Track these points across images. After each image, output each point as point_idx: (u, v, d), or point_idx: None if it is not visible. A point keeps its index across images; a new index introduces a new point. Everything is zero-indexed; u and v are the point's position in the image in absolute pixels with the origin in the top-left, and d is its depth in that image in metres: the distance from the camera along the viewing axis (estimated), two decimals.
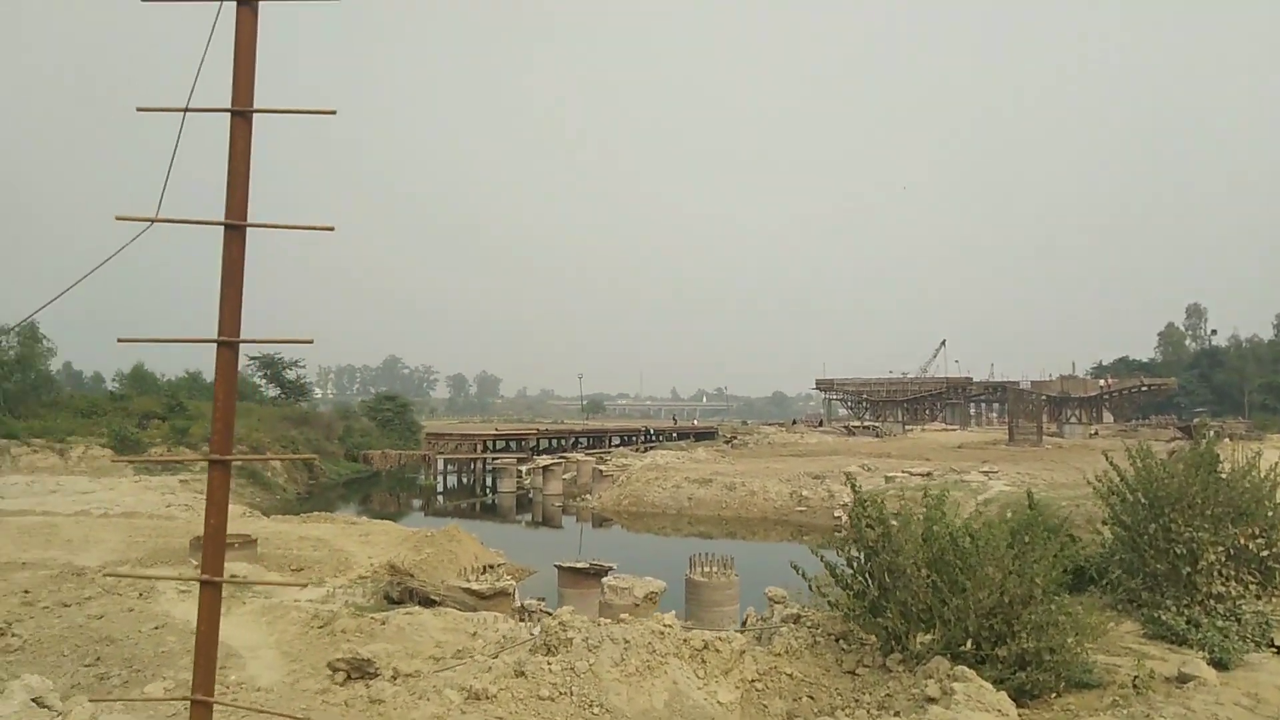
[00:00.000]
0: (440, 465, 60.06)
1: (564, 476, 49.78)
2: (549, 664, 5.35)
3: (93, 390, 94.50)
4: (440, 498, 53.15)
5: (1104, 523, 10.41)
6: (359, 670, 5.81)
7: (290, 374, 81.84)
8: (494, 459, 57.27)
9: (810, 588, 6.39)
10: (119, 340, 3.49)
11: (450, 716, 4.77)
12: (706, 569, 18.47)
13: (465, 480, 60.24)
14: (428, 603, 16.60)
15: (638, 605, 17.02)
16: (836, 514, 35.00)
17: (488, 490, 53.44)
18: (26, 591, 14.65)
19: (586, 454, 60.39)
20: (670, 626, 5.83)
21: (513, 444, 65.37)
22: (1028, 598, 5.70)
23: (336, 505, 47.15)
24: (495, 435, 67.07)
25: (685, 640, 5.74)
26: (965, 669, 5.28)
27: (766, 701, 5.59)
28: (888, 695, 5.48)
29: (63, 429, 45.12)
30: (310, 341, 3.37)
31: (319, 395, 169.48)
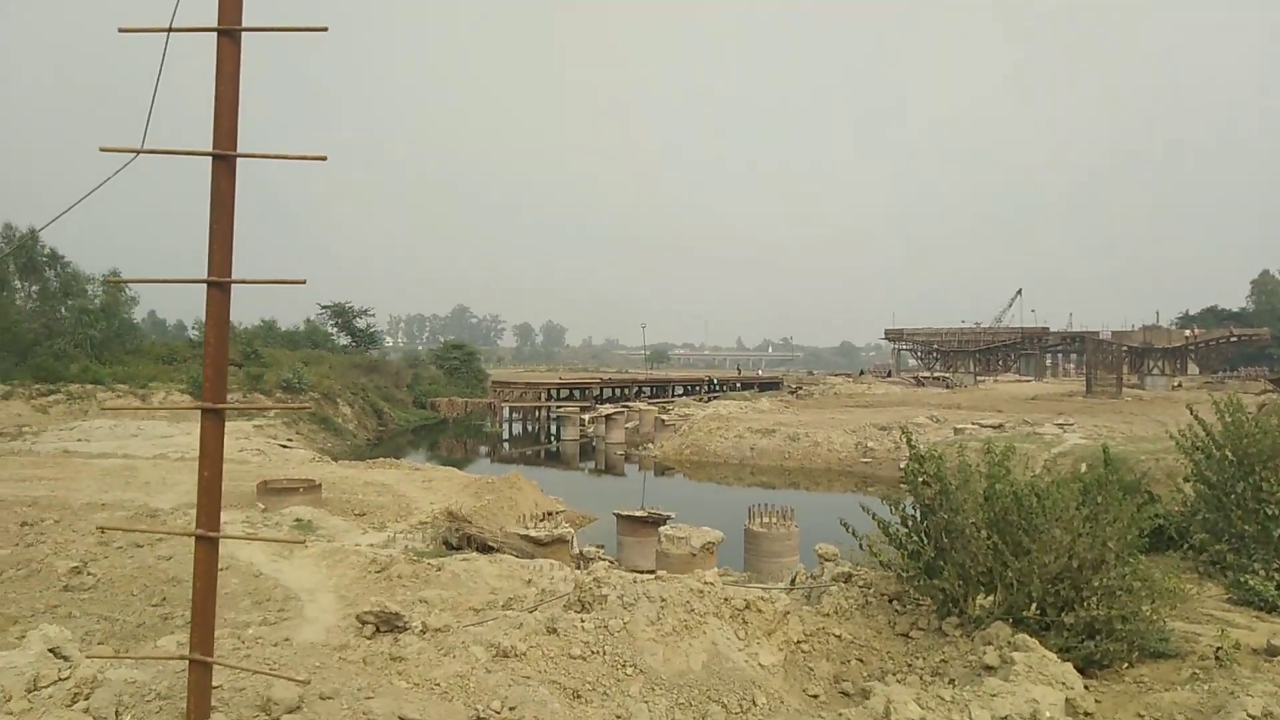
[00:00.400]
0: (505, 413, 60.84)
1: (626, 425, 49.86)
2: (582, 621, 5.16)
3: (175, 337, 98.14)
4: (505, 445, 53.88)
5: (1186, 479, 9.78)
6: (387, 623, 5.74)
7: (360, 323, 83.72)
8: (558, 407, 57.70)
9: (861, 546, 6.05)
10: (106, 281, 3.29)
11: (474, 675, 4.62)
12: (766, 520, 18.24)
13: (530, 428, 60.94)
14: (485, 549, 16.78)
15: (694, 555, 16.92)
16: (903, 465, 34.18)
17: (552, 438, 53.97)
18: (105, 530, 15.16)
19: (649, 403, 60.39)
20: (711, 584, 5.58)
21: (576, 392, 65.74)
22: (1099, 562, 5.27)
23: (405, 451, 48.21)
24: (559, 384, 67.56)
25: (726, 599, 5.48)
26: (1027, 637, 4.91)
27: (812, 664, 5.32)
28: (943, 661, 5.15)
29: (145, 375, 46.81)
30: (303, 282, 3.14)
31: (389, 344, 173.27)
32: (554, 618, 5.18)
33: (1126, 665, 5.18)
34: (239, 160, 3.13)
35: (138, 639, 9.81)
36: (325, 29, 3.04)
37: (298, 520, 16.96)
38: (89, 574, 12.65)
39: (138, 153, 3.09)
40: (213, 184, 3.05)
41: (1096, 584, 5.20)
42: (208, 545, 3.09)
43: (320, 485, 19.48)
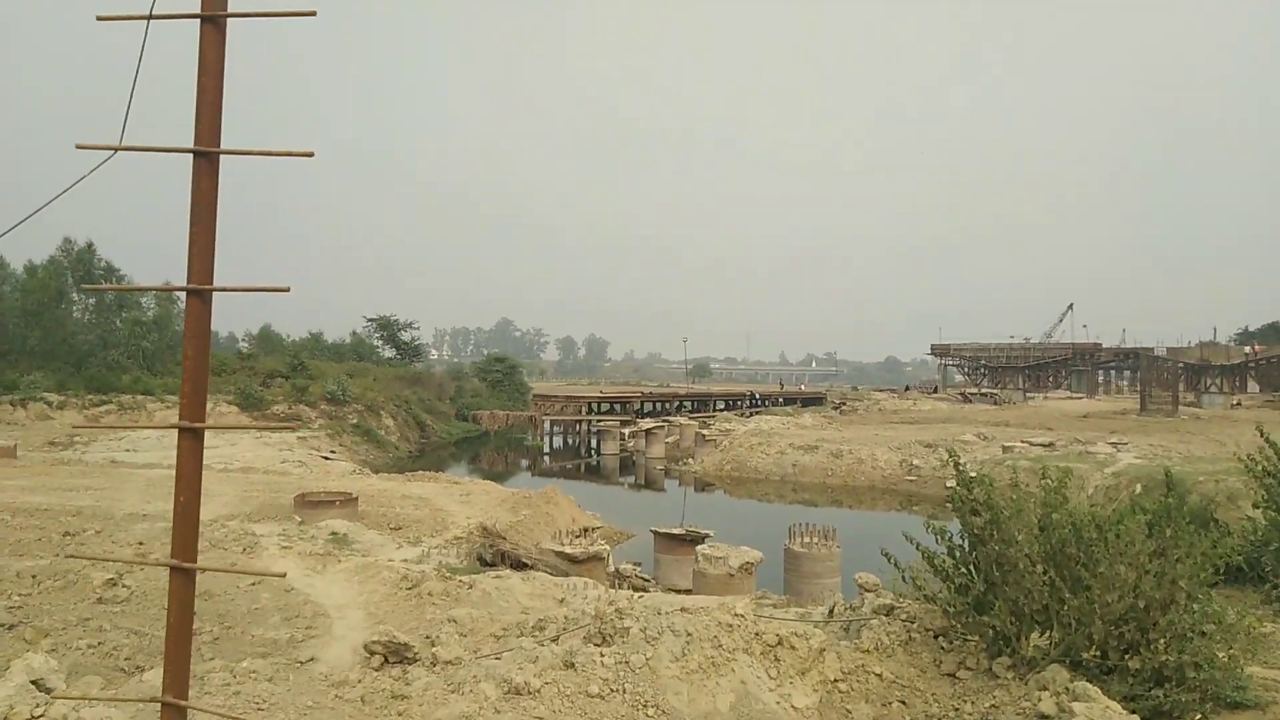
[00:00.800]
0: (546, 426, 60.84)
1: (666, 440, 49.50)
2: (601, 656, 4.84)
3: (226, 349, 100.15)
4: (546, 458, 53.81)
5: (1256, 505, 9.18)
6: (396, 654, 5.48)
7: (405, 335, 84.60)
8: (598, 421, 57.54)
9: (904, 578, 5.63)
10: (82, 288, 3.07)
11: (482, 715, 4.33)
12: (806, 539, 17.77)
13: (570, 441, 60.84)
14: (519, 566, 16.53)
15: (732, 575, 16.50)
16: (949, 484, 33.38)
17: (592, 451, 53.78)
18: (141, 543, 15.22)
19: (690, 417, 59.96)
20: (741, 617, 5.23)
21: (616, 406, 65.53)
22: (1167, 602, 4.81)
23: (446, 464, 48.36)
24: (599, 397, 67.41)
25: (757, 634, 5.12)
26: (1087, 685, 4.47)
27: (850, 706, 4.93)
28: (993, 707, 4.72)
29: None
30: (287, 289, 2.89)
31: (434, 356, 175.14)
32: (572, 651, 4.87)
33: (1199, 717, 4.71)
34: (224, 158, 2.88)
35: (161, 655, 9.69)
36: (313, 13, 2.81)
37: (333, 534, 16.88)
38: (124, 586, 12.63)
39: (115, 150, 2.86)
40: (193, 183, 2.80)
41: (1165, 626, 4.74)
42: (183, 578, 2.83)
43: (356, 498, 19.42)
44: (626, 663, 4.75)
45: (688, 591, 17.50)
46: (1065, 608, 4.89)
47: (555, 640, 5.39)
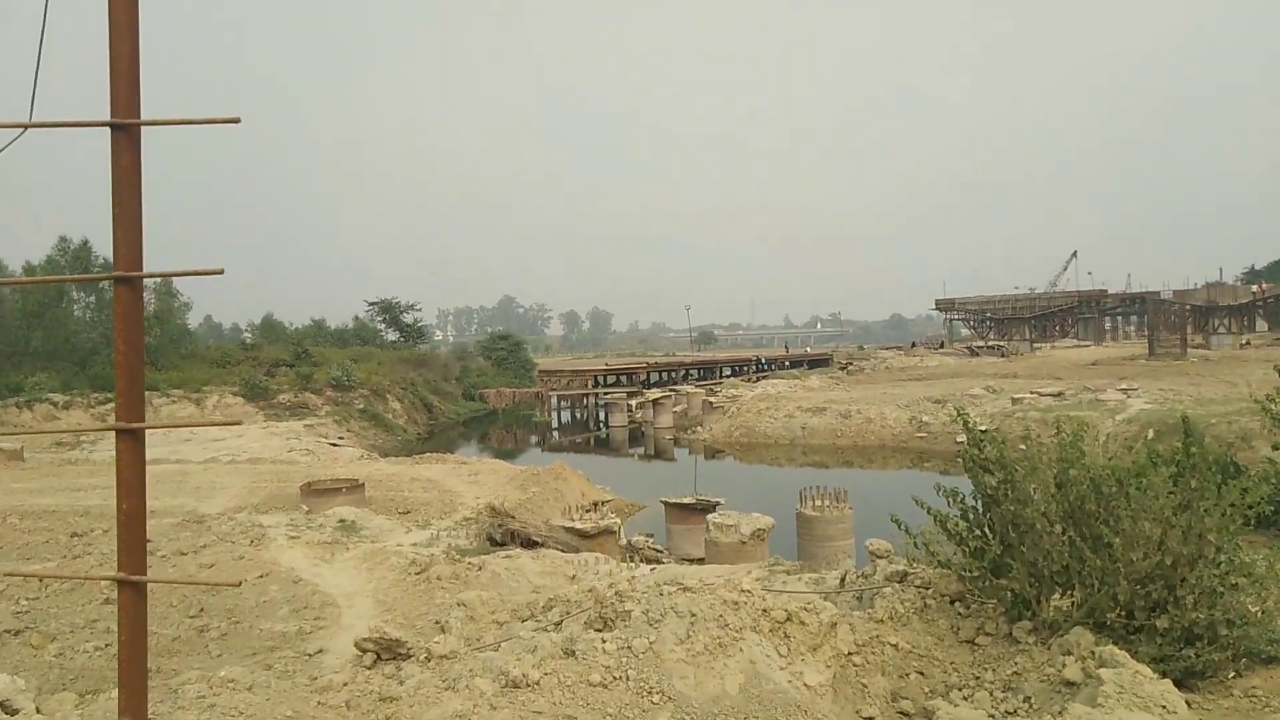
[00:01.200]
0: (554, 401, 60.74)
1: (674, 409, 49.31)
2: (603, 642, 4.64)
3: (231, 341, 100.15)
4: (555, 433, 53.74)
5: (1275, 447, 8.94)
6: (389, 650, 5.28)
7: (408, 318, 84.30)
8: (605, 394, 57.38)
9: (915, 544, 5.41)
10: (7, 281, 2.83)
11: (478, 713, 4.14)
12: (818, 502, 17.60)
13: (578, 415, 60.76)
14: (530, 544, 16.41)
15: (744, 543, 16.35)
16: (959, 439, 33.20)
17: (600, 425, 53.67)
18: (148, 540, 15.09)
19: (696, 385, 59.77)
20: (748, 593, 5.02)
21: (623, 378, 65.35)
22: (1195, 556, 4.58)
23: (456, 444, 48.33)
24: (605, 370, 67.25)
25: (765, 611, 4.91)
26: (1115, 650, 4.25)
27: (866, 680, 4.73)
28: (1015, 674, 4.53)
29: (198, 379, 47.54)
30: (220, 272, 2.65)
31: (439, 337, 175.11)
32: (572, 638, 4.66)
33: (1234, 675, 4.51)
34: (145, 130, 2.62)
35: (170, 654, 9.59)
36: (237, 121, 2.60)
37: (341, 521, 16.78)
38: None
39: (26, 127, 2.61)
40: (113, 159, 2.54)
41: (1193, 582, 4.52)
42: (133, 592, 2.60)
43: (363, 485, 19.31)
44: (629, 648, 4.56)
45: (700, 560, 17.38)
46: (1086, 567, 4.67)
47: (556, 627, 5.20)
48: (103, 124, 2.56)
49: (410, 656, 5.14)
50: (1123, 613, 4.61)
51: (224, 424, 2.54)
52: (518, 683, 4.34)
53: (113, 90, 2.56)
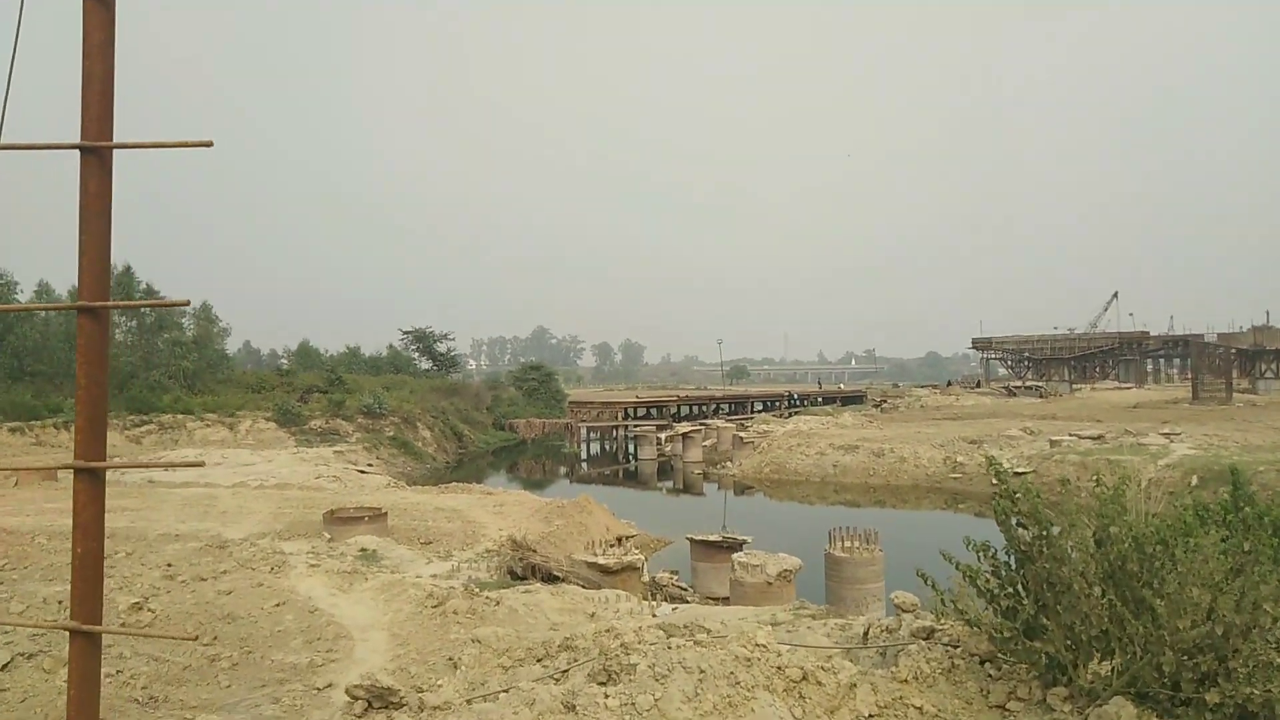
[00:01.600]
0: (583, 433, 60.59)
1: (704, 443, 48.92)
2: (605, 698, 4.39)
3: (268, 366, 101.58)
4: (584, 465, 53.51)
5: None
6: (380, 699, 5.07)
7: (441, 346, 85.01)
8: (634, 426, 57.12)
9: (943, 601, 5.08)
10: None
11: None
12: (847, 543, 17.17)
13: (607, 447, 60.53)
14: (551, 579, 16.15)
15: (770, 584, 15.96)
16: (994, 481, 32.58)
17: (629, 457, 53.37)
18: (169, 565, 15.08)
19: (727, 420, 59.32)
20: (762, 648, 4.74)
21: (653, 411, 65.13)
22: (1249, 627, 4.22)
23: (485, 473, 48.28)
24: (636, 402, 67.06)
25: (779, 669, 4.62)
26: None
27: None
28: None
29: (234, 404, 48.08)
30: (186, 303, 2.51)
31: (471, 366, 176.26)
32: (574, 691, 4.41)
33: None
34: (118, 153, 2.49)
35: (179, 683, 9.44)
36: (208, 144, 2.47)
37: (363, 550, 16.65)
38: (149, 610, 12.45)
39: None
40: (81, 184, 2.40)
41: (1248, 653, 4.16)
42: (85, 643, 2.42)
43: (386, 514, 19.19)
44: (633, 704, 4.30)
45: (725, 600, 17.01)
46: (1128, 633, 4.33)
47: (559, 679, 4.95)
48: (72, 146, 2.43)
49: (403, 705, 4.92)
50: (1168, 683, 4.27)
51: (186, 465, 2.38)
52: None
53: (84, 112, 2.44)
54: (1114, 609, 4.40)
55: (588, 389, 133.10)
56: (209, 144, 2.38)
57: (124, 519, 20.96)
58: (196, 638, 1.92)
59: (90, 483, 2.49)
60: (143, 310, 53.16)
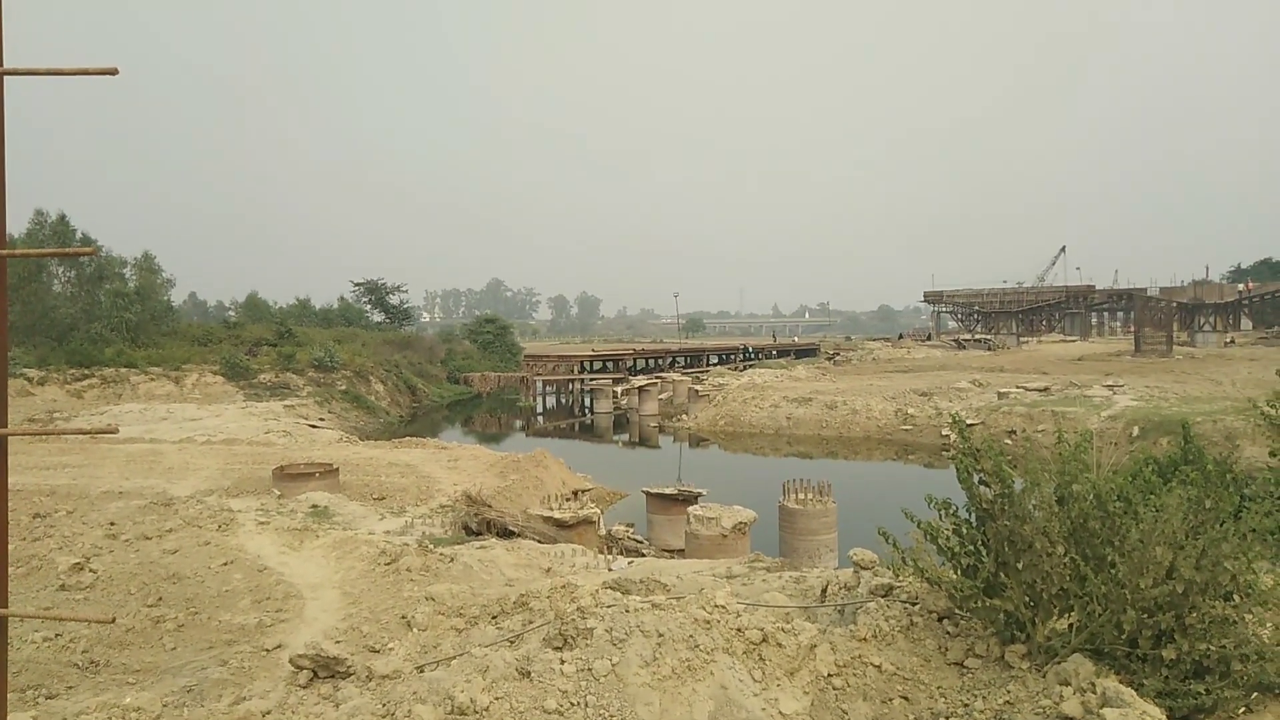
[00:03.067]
0: (539, 386, 60.31)
1: (660, 396, 49.03)
2: (561, 663, 4.28)
3: (215, 318, 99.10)
4: (540, 419, 53.34)
5: (1273, 454, 8.64)
6: (326, 669, 4.89)
7: (394, 299, 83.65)
8: (590, 380, 56.98)
9: (903, 559, 5.04)
10: None
11: None
12: (801, 495, 17.32)
13: (563, 401, 60.37)
14: (506, 534, 16.06)
15: (725, 536, 16.05)
16: (944, 433, 33.16)
17: (585, 411, 53.31)
18: (112, 524, 14.67)
19: (683, 373, 59.48)
20: (721, 610, 4.66)
21: (609, 364, 64.96)
22: (1209, 584, 4.22)
23: (440, 427, 47.89)
24: (591, 356, 66.79)
25: (738, 630, 4.55)
26: (1120, 686, 3.91)
27: (846, 705, 4.38)
28: (1008, 703, 4.18)
29: (179, 358, 46.81)
30: (92, 252, 2.27)
31: (426, 319, 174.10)
32: (528, 657, 4.29)
33: (1244, 710, 4.18)
34: (8, 79, 2.22)
35: (122, 646, 9.17)
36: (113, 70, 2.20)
37: (313, 506, 16.37)
38: (90, 570, 12.09)
39: None
40: None
41: (1207, 610, 4.16)
42: None
43: (338, 469, 18.88)
44: (590, 670, 4.19)
45: (681, 552, 17.09)
46: (1088, 591, 4.33)
47: (512, 643, 4.82)
48: None
49: (350, 675, 4.75)
50: (1126, 641, 4.28)
51: (98, 431, 2.16)
52: (464, 709, 3.95)
53: None
54: (1076, 567, 4.39)
55: (543, 342, 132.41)
56: (113, 71, 2.12)
57: (65, 475, 20.37)
58: (114, 619, 1.78)
59: None
60: (82, 260, 51.26)
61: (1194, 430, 8.79)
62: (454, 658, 4.67)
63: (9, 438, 2.28)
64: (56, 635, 9.51)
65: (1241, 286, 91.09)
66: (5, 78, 2.24)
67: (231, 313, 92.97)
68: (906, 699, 4.43)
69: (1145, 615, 4.20)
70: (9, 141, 2.19)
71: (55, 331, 47.00)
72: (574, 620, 4.52)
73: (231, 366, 46.33)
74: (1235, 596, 4.36)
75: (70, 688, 7.95)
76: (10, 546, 14.09)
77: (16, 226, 50.68)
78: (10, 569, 12.77)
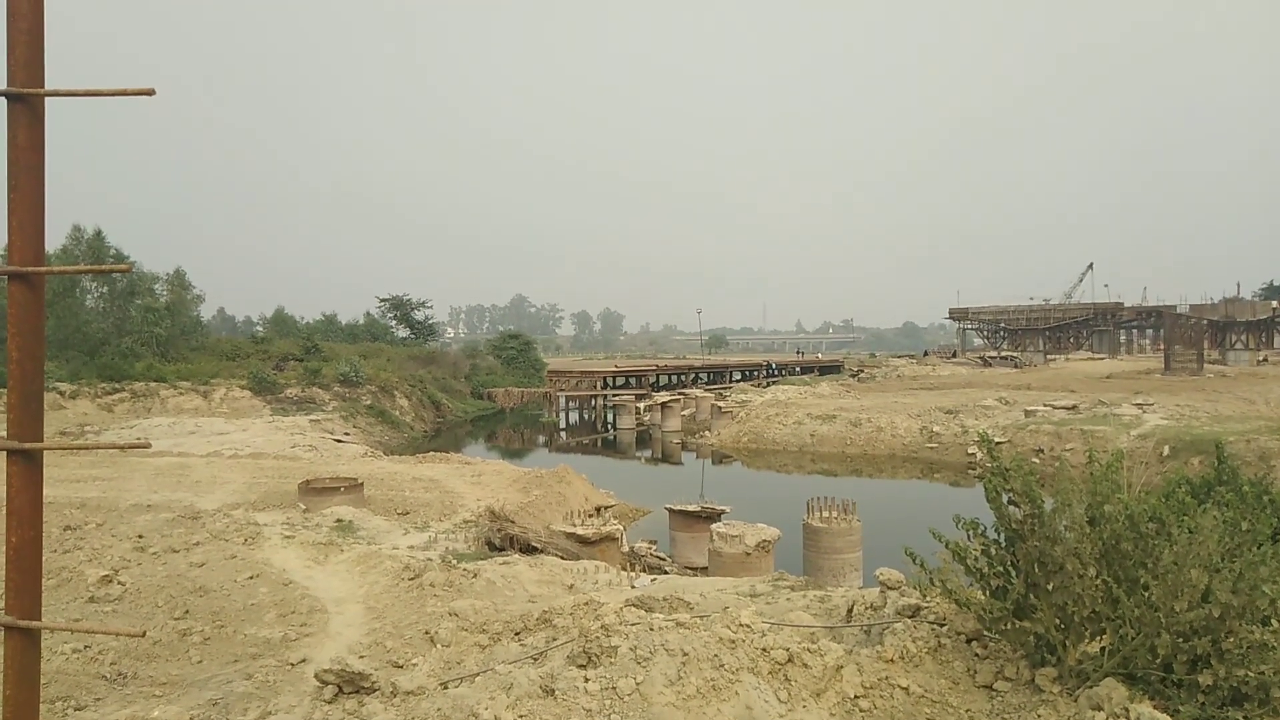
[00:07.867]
0: (562, 402, 60.41)
1: (683, 413, 48.94)
2: (585, 681, 4.26)
3: (243, 333, 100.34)
4: (562, 434, 53.38)
5: None
6: (351, 684, 4.90)
7: (419, 314, 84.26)
8: (613, 395, 57.00)
9: (931, 580, 4.96)
10: None
11: None
12: (825, 514, 17.18)
13: (586, 416, 60.39)
14: (529, 550, 16.04)
15: (749, 554, 15.96)
16: (970, 451, 32.82)
17: (608, 426, 53.30)
18: (141, 536, 14.83)
19: (706, 389, 59.35)
20: (746, 629, 4.62)
21: (632, 380, 65.00)
22: (1245, 608, 4.12)
23: (463, 442, 48.03)
24: (615, 372, 66.86)
25: (764, 650, 4.51)
26: (1154, 712, 3.83)
27: None
28: None
29: (207, 372, 47.38)
30: (128, 269, 2.30)
31: (450, 335, 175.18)
32: (553, 674, 4.28)
33: None
34: (50, 101, 2.25)
35: (150, 659, 9.25)
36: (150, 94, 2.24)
37: (338, 521, 16.45)
38: (119, 583, 12.22)
39: None
40: (9, 136, 2.16)
41: (1245, 636, 4.07)
42: (23, 640, 2.22)
43: (362, 484, 18.98)
44: (614, 688, 4.17)
45: (704, 570, 17.01)
46: (1121, 614, 4.24)
47: (535, 661, 4.80)
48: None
49: (374, 691, 4.76)
50: (1160, 665, 4.19)
51: (124, 447, 2.19)
52: None
53: (10, 55, 2.20)
54: (1108, 589, 4.31)
55: (566, 358, 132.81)
56: (150, 92, 2.16)
57: (95, 489, 20.62)
58: (145, 633, 1.78)
59: (25, 465, 2.28)
60: (114, 276, 52.01)
61: (1227, 450, 8.67)
62: (478, 674, 4.67)
63: (43, 452, 2.31)
64: (85, 647, 9.61)
65: (1275, 304, 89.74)
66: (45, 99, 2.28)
67: (259, 328, 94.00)
68: None
69: (1180, 639, 4.12)
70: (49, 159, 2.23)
71: (87, 346, 47.73)
72: (598, 638, 4.50)
73: (259, 381, 46.81)
74: (1273, 621, 4.27)
75: (98, 699, 8.02)
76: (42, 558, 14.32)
77: (53, 241, 51.68)
78: (42, 581, 12.95)
